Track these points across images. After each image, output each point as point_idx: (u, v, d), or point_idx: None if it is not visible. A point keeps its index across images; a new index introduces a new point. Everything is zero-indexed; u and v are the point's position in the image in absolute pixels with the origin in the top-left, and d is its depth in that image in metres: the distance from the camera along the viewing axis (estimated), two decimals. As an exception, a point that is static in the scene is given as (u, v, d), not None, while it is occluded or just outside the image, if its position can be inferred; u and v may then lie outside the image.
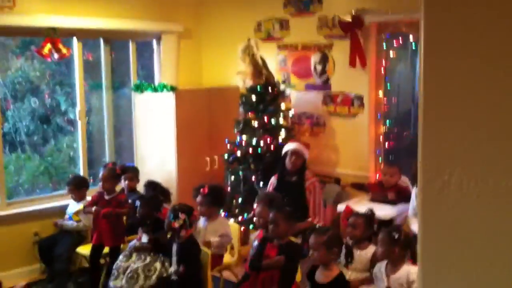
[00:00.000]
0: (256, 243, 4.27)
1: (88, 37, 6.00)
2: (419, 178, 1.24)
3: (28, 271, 5.41)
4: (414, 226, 4.42)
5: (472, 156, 1.17)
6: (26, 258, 5.42)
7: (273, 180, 5.23)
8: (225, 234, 4.66)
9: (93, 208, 5.07)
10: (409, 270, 3.55)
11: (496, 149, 1.14)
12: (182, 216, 4.15)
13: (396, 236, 3.58)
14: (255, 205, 4.54)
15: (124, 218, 5.16)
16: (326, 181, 5.82)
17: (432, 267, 1.28)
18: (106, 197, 5.12)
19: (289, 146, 5.19)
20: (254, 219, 4.51)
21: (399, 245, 3.57)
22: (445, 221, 1.22)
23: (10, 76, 5.78)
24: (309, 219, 4.99)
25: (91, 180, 5.90)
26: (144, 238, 4.56)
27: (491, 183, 1.14)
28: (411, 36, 5.39)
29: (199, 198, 4.74)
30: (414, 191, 4.65)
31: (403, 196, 4.98)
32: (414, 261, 3.69)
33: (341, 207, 4.92)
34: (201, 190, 4.73)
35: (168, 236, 4.35)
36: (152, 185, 5.13)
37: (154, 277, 4.32)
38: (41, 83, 6.01)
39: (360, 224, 4.09)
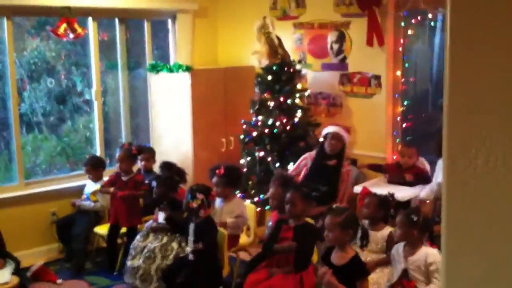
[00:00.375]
0: (270, 224, 4.27)
1: (103, 16, 5.97)
2: (444, 156, 1.21)
3: (46, 250, 5.47)
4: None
5: (499, 133, 1.13)
6: (44, 237, 5.48)
7: (307, 161, 5.20)
8: (241, 215, 4.66)
9: (111, 189, 5.09)
10: (427, 252, 3.53)
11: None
12: (200, 196, 4.15)
13: (415, 219, 3.55)
14: (270, 186, 4.52)
15: (141, 199, 5.18)
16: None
17: (456, 246, 1.25)
18: (123, 178, 5.14)
19: (329, 129, 5.16)
20: (269, 200, 4.49)
21: (417, 227, 3.54)
22: (471, 199, 1.19)
23: (26, 57, 5.78)
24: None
25: (108, 161, 5.92)
26: (161, 218, 4.57)
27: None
28: (429, 13, 5.29)
29: (215, 179, 4.73)
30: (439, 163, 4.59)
31: (421, 178, 4.93)
32: (432, 243, 3.66)
33: (358, 189, 4.88)
34: (217, 171, 4.72)
35: (185, 216, 4.36)
36: (168, 166, 5.12)
37: (171, 257, 4.34)
38: (57, 64, 6.01)
39: (372, 204, 4.07)
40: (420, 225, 3.56)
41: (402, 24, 5.42)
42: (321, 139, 5.25)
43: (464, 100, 1.18)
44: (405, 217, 3.60)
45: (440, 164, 4.57)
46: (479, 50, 1.15)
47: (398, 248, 3.68)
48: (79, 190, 5.52)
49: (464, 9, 1.16)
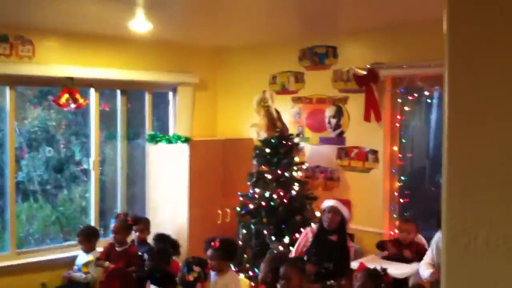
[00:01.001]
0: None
1: (105, 87, 6.07)
2: (444, 235, 1.19)
3: (35, 323, 5.29)
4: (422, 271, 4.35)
5: (499, 214, 1.12)
6: (33, 309, 5.32)
7: (308, 236, 5.14)
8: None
9: (106, 263, 5.00)
10: None
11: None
12: (196, 269, 4.07)
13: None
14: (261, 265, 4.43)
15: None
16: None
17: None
18: (118, 249, 5.06)
19: (326, 203, 5.14)
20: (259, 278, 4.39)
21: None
22: (471, 279, 1.16)
23: (27, 125, 5.83)
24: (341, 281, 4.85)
25: (102, 231, 5.85)
26: (153, 291, 4.46)
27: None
28: (425, 91, 5.38)
29: (210, 252, 4.65)
30: (435, 237, 4.53)
31: (419, 254, 4.85)
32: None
33: (355, 264, 4.79)
34: (212, 243, 4.64)
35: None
36: (162, 238, 5.06)
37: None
38: (57, 133, 6.05)
39: (364, 277, 4.00)
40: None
41: (399, 100, 5.50)
42: (319, 214, 5.22)
43: (463, 180, 1.17)
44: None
45: (433, 243, 4.51)
46: (477, 129, 1.16)
47: None
48: (71, 261, 5.41)
49: (461, 89, 1.17)
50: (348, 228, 5.19)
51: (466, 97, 1.17)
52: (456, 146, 1.18)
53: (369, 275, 4.00)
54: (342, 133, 5.82)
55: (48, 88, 5.85)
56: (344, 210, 5.14)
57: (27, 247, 5.65)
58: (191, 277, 4.05)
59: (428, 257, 4.48)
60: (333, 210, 5.07)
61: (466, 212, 1.17)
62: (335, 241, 5.01)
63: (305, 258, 4.84)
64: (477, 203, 1.16)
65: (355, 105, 5.67)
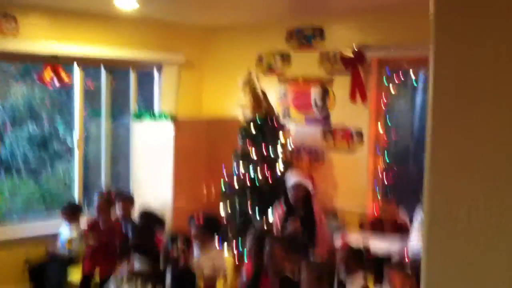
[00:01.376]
0: (244, 278, 4.19)
1: (90, 64, 6.01)
2: (425, 211, 1.21)
3: (19, 298, 5.30)
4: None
5: (480, 190, 1.14)
6: (16, 284, 5.31)
7: (280, 213, 5.17)
8: (219, 265, 4.57)
9: (90, 241, 5.01)
10: None
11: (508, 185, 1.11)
12: (180, 245, 4.08)
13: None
14: (247, 240, 4.46)
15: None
16: (324, 216, 5.77)
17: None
18: (102, 226, 5.06)
19: (290, 181, 5.14)
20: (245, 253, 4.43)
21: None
22: (453, 254, 1.19)
23: (10, 101, 5.76)
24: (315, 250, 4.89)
25: (86, 208, 5.84)
26: (136, 265, 4.47)
27: (501, 216, 1.11)
28: (412, 73, 5.41)
29: (194, 228, 4.68)
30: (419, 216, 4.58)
31: (401, 231, 4.92)
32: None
33: (337, 241, 4.85)
34: (196, 220, 4.67)
35: (163, 265, 4.27)
36: (147, 215, 5.06)
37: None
38: (41, 110, 6.00)
39: (349, 257, 4.05)
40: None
41: (385, 82, 5.53)
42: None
43: (446, 155, 1.19)
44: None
45: (416, 225, 4.56)
46: (463, 107, 1.17)
47: None
48: (55, 236, 5.40)
49: (446, 71, 1.19)
50: (314, 201, 5.13)
51: (451, 79, 1.18)
52: (439, 120, 1.19)
53: (353, 254, 4.05)
54: (328, 114, 5.84)
55: (32, 65, 5.79)
56: (307, 184, 5.12)
57: (10, 222, 5.62)
58: (174, 253, 4.07)
59: (415, 236, 4.53)
60: (296, 187, 5.07)
61: (448, 187, 1.18)
62: (303, 216, 5.02)
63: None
64: (459, 179, 1.18)
65: (341, 86, 5.68)
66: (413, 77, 5.47)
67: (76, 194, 5.93)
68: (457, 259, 1.19)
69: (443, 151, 1.20)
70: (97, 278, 4.96)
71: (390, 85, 5.55)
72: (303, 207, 5.04)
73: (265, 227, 5.04)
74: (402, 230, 4.92)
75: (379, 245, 4.70)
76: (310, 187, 5.14)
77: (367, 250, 4.13)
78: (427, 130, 1.21)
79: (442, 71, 1.19)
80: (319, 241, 4.95)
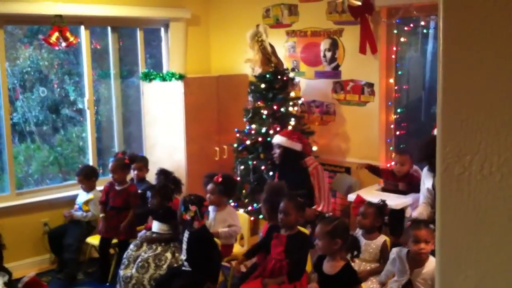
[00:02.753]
0: (261, 234, 4.23)
1: (96, 24, 5.95)
2: (438, 162, 1.19)
3: (38, 261, 5.42)
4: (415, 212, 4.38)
5: (494, 139, 1.12)
6: (36, 248, 5.43)
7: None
8: (234, 224, 4.63)
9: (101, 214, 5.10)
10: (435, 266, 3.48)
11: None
12: (192, 208, 4.11)
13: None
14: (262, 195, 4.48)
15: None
16: (336, 171, 5.78)
17: (450, 254, 1.23)
18: (117, 187, 5.11)
19: (273, 140, 5.14)
20: (262, 209, 4.45)
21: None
22: (466, 206, 1.17)
23: (19, 66, 5.75)
24: (315, 207, 4.91)
25: (101, 170, 5.89)
26: (155, 228, 4.54)
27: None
28: (421, 21, 5.29)
29: (210, 186, 4.70)
30: (422, 176, 4.56)
31: (414, 186, 4.91)
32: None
33: (351, 197, 4.86)
34: (215, 178, 4.69)
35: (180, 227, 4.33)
36: (164, 173, 5.09)
37: (164, 266, 4.30)
38: (50, 73, 5.98)
39: (371, 214, 4.05)
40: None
41: (395, 31, 5.43)
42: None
43: (458, 105, 1.16)
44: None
45: (425, 172, 4.53)
46: (473, 54, 1.13)
47: (401, 254, 3.59)
48: (72, 200, 5.48)
49: (457, 13, 1.14)
50: (299, 155, 5.07)
51: (462, 25, 1.14)
52: (451, 69, 1.16)
53: (378, 212, 4.06)
54: (337, 66, 5.76)
55: (38, 26, 5.74)
56: (287, 143, 5.02)
57: (26, 188, 5.69)
58: (187, 216, 4.10)
59: (421, 198, 4.51)
60: (275, 146, 5.09)
61: (461, 139, 1.16)
62: (287, 170, 5.02)
63: None
64: (471, 130, 1.15)
65: (350, 37, 5.59)
66: (423, 24, 5.35)
67: (90, 156, 5.97)
68: (469, 213, 1.17)
69: (454, 101, 1.17)
70: (115, 240, 5.05)
71: (400, 34, 5.45)
72: (291, 168, 5.02)
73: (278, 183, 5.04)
74: (415, 184, 4.91)
75: (393, 199, 4.70)
76: (291, 145, 5.02)
77: (383, 204, 4.13)
78: (438, 78, 1.18)
79: (452, 15, 1.15)
80: (317, 196, 4.94)
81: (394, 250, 3.68)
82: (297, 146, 5.02)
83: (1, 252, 4.74)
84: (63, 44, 5.31)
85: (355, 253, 3.59)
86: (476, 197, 1.16)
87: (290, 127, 5.44)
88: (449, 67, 1.16)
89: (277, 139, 5.08)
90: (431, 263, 3.44)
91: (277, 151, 5.07)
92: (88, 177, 5.36)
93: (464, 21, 1.14)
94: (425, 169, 4.51)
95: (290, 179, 4.79)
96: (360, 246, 3.72)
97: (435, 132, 4.26)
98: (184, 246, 4.15)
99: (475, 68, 1.14)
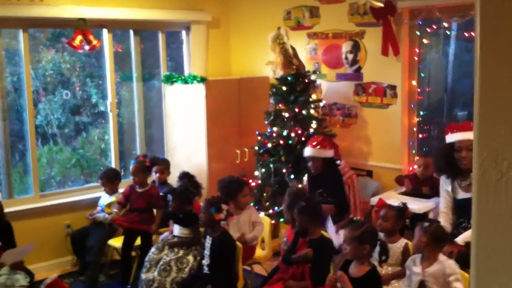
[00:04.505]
0: (285, 239, 4.21)
1: (118, 27, 5.99)
2: (475, 166, 1.17)
3: (60, 263, 5.46)
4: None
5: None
6: (58, 250, 5.47)
7: (306, 178, 5.14)
8: (257, 220, 4.63)
9: (122, 211, 5.12)
10: (444, 264, 3.46)
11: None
12: (225, 207, 4.12)
13: (426, 226, 3.50)
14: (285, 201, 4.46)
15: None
16: (358, 174, 5.73)
17: (487, 262, 1.20)
18: (138, 190, 5.13)
19: (305, 153, 5.00)
20: (283, 213, 4.44)
21: (428, 235, 3.49)
22: (504, 212, 1.15)
23: (41, 69, 5.81)
24: (350, 216, 4.85)
25: (122, 173, 5.91)
26: (176, 231, 4.54)
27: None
28: (444, 22, 5.24)
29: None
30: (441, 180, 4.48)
31: (437, 190, 4.85)
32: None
33: (373, 200, 4.82)
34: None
35: (202, 229, 4.32)
36: (187, 176, 5.10)
37: (186, 270, 4.30)
38: (72, 75, 6.03)
39: (392, 217, 4.00)
40: (430, 233, 3.50)
41: (417, 33, 5.38)
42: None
43: (495, 111, 1.14)
44: (418, 226, 3.57)
45: (443, 178, 4.44)
46: (511, 59, 1.11)
47: (415, 260, 3.61)
48: (94, 202, 5.51)
49: (494, 19, 1.12)
50: (335, 162, 4.99)
51: (499, 31, 1.12)
52: (488, 80, 1.14)
53: (399, 214, 4.02)
54: (359, 68, 5.73)
55: (60, 30, 5.80)
56: (322, 153, 4.92)
57: (49, 190, 5.74)
58: (222, 216, 4.09)
59: (442, 205, 4.45)
60: (311, 159, 4.95)
61: (498, 145, 1.14)
62: (325, 178, 4.92)
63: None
64: (509, 136, 1.13)
65: (372, 39, 5.55)
66: (446, 25, 5.30)
67: (113, 159, 6.00)
68: (506, 219, 1.15)
69: (492, 106, 1.15)
70: (138, 241, 5.06)
71: (423, 35, 5.40)
72: (325, 175, 4.95)
73: (299, 187, 5.02)
74: (437, 187, 4.85)
75: (415, 203, 4.65)
76: (325, 154, 4.95)
77: (404, 208, 4.09)
78: (475, 82, 1.16)
79: (490, 21, 1.13)
80: (352, 207, 4.90)
81: (410, 259, 3.67)
82: (330, 153, 4.96)
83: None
84: (86, 47, 5.35)
85: (383, 257, 3.57)
86: (506, 193, 1.14)
87: (311, 130, 5.42)
88: (486, 73, 1.14)
89: (311, 152, 4.92)
90: (441, 262, 3.46)
91: (313, 164, 4.92)
92: (111, 180, 5.38)
93: (502, 28, 1.11)
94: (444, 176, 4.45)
95: (324, 187, 4.77)
96: (388, 250, 3.68)
97: (448, 138, 4.23)
98: (207, 252, 4.13)
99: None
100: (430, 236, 3.49)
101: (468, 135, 4.06)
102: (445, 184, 4.37)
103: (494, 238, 1.18)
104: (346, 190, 4.88)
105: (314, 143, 4.96)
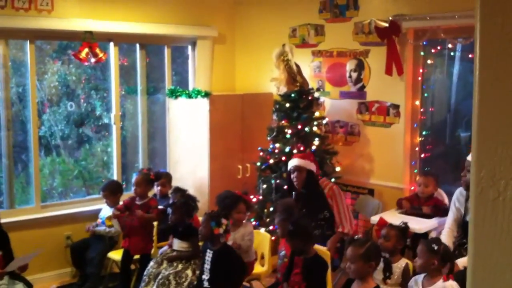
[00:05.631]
0: (283, 253, 4.19)
1: (125, 41, 6.04)
2: (472, 185, 1.17)
3: (60, 274, 5.46)
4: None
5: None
6: (58, 261, 5.46)
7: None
8: (250, 238, 4.58)
9: (125, 215, 5.08)
10: (445, 284, 3.44)
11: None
12: (224, 221, 4.11)
13: (436, 248, 3.48)
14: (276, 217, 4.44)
15: (155, 224, 5.14)
16: (360, 192, 5.73)
17: (483, 281, 1.20)
18: (138, 202, 5.12)
19: (290, 164, 4.98)
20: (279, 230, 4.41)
21: (438, 256, 3.47)
22: (499, 231, 1.15)
23: (47, 80, 5.85)
24: (337, 230, 4.85)
25: (124, 185, 5.92)
26: (176, 246, 4.53)
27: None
28: (449, 43, 5.27)
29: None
30: (454, 196, 4.49)
31: (439, 209, 4.85)
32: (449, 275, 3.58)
33: (374, 219, 4.81)
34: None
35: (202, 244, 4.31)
36: (180, 191, 5.09)
37: (185, 284, 4.28)
38: (77, 87, 6.07)
39: (393, 236, 3.99)
40: (440, 255, 3.48)
41: (422, 53, 5.40)
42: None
43: (493, 130, 1.15)
44: (426, 246, 3.53)
45: (459, 191, 4.45)
46: (509, 79, 1.12)
47: (417, 280, 3.60)
48: (95, 214, 5.51)
49: (493, 39, 1.13)
50: (317, 178, 4.97)
51: (498, 51, 1.13)
52: (487, 94, 1.15)
53: (401, 234, 4.00)
54: (363, 87, 5.75)
55: (67, 42, 5.85)
56: (307, 164, 4.91)
57: (51, 201, 5.75)
58: (221, 230, 4.08)
59: (449, 221, 4.44)
60: (297, 169, 4.90)
61: (496, 164, 1.15)
62: (306, 194, 4.90)
63: None
64: (506, 155, 1.14)
65: (376, 58, 5.58)
66: (450, 46, 5.33)
67: (115, 171, 6.01)
68: (503, 238, 1.15)
69: (489, 125, 1.16)
70: (137, 256, 5.05)
71: (427, 56, 5.43)
72: (309, 192, 4.92)
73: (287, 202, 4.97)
74: (439, 208, 4.85)
75: (416, 222, 4.64)
76: (309, 166, 4.92)
77: (405, 227, 4.08)
78: (474, 102, 1.17)
79: (488, 41, 1.14)
80: (337, 218, 4.87)
81: (413, 279, 3.66)
82: (313, 167, 4.94)
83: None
84: (93, 60, 5.40)
85: (387, 274, 3.55)
86: (511, 222, 1.14)
87: (314, 147, 5.43)
88: (484, 94, 1.15)
89: (297, 162, 4.89)
90: (440, 282, 3.45)
91: (298, 174, 4.87)
92: (114, 192, 5.39)
93: (500, 47, 1.13)
94: (460, 189, 4.44)
95: (311, 204, 4.76)
96: (392, 267, 3.67)
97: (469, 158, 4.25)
98: (207, 266, 4.11)
99: (511, 93, 1.12)
100: (441, 259, 3.48)
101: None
102: (458, 202, 4.38)
103: (491, 257, 1.18)
104: (330, 202, 4.86)
105: (299, 155, 4.99)
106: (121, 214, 5.06)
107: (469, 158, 4.18)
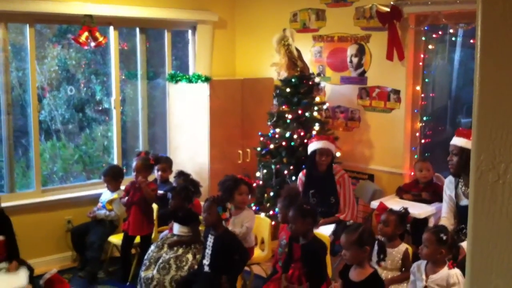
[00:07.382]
0: (284, 241, 4.20)
1: (124, 25, 6.01)
2: (472, 169, 1.17)
3: (60, 258, 5.47)
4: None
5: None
6: (58, 245, 5.48)
7: (301, 176, 5.15)
8: (250, 226, 4.57)
9: (125, 199, 5.10)
10: (449, 272, 3.45)
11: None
12: (229, 205, 4.13)
13: (444, 237, 3.47)
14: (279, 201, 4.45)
15: (155, 208, 5.16)
16: (360, 178, 5.74)
17: (482, 264, 1.20)
18: (137, 185, 5.13)
19: (316, 145, 5.05)
20: (278, 214, 4.44)
21: (445, 246, 3.47)
22: (499, 215, 1.15)
23: (47, 64, 5.83)
24: (337, 215, 4.90)
25: (125, 170, 5.92)
26: (176, 230, 4.55)
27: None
28: (450, 29, 5.24)
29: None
30: (445, 184, 4.49)
31: (438, 195, 4.85)
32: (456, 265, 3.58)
33: (374, 204, 4.82)
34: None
35: (202, 228, 4.32)
36: (183, 175, 5.09)
37: (186, 268, 4.30)
38: (77, 72, 6.05)
39: (392, 222, 4.00)
40: (448, 244, 3.49)
41: (423, 38, 5.38)
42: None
43: (493, 113, 1.14)
44: (434, 235, 3.52)
45: (448, 180, 4.44)
46: (510, 62, 1.11)
47: (420, 265, 3.60)
48: (95, 198, 5.52)
49: (495, 23, 1.13)
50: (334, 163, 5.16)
51: (499, 35, 1.12)
52: (486, 82, 1.15)
53: (400, 219, 4.01)
54: (363, 72, 5.73)
55: (67, 26, 5.82)
56: (333, 148, 5.07)
57: (51, 185, 5.76)
58: (227, 214, 4.09)
59: (444, 209, 4.44)
60: (326, 152, 5.00)
61: (495, 147, 1.14)
62: (323, 177, 5.02)
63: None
64: (506, 139, 1.13)
65: (377, 43, 5.55)
66: (451, 32, 5.30)
67: (115, 156, 6.02)
68: (502, 222, 1.15)
69: (491, 109, 1.15)
70: (138, 238, 5.07)
71: (428, 41, 5.40)
72: (322, 174, 5.00)
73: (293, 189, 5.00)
74: (438, 192, 4.85)
75: (416, 207, 4.65)
76: (334, 151, 5.09)
77: (405, 212, 4.09)
78: (475, 85, 1.16)
79: (490, 27, 1.13)
80: (342, 204, 4.92)
81: (415, 264, 3.67)
82: (335, 152, 5.10)
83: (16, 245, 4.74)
84: (92, 44, 5.37)
85: (381, 256, 3.57)
86: (510, 205, 1.14)
87: (314, 132, 5.43)
88: (485, 77, 1.15)
89: (327, 145, 5.02)
90: (445, 270, 3.47)
91: (326, 158, 5.00)
92: (115, 177, 5.38)
93: (502, 34, 1.12)
94: (449, 177, 4.45)
95: (324, 187, 4.80)
96: (386, 250, 3.68)
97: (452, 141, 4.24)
98: (208, 251, 4.12)
99: (511, 76, 1.12)
100: (449, 248, 3.49)
101: (455, 140, 4.13)
102: (448, 190, 4.37)
103: (490, 240, 1.18)
104: (338, 188, 4.94)
105: (327, 138, 5.09)
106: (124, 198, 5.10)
107: (452, 142, 4.19)
